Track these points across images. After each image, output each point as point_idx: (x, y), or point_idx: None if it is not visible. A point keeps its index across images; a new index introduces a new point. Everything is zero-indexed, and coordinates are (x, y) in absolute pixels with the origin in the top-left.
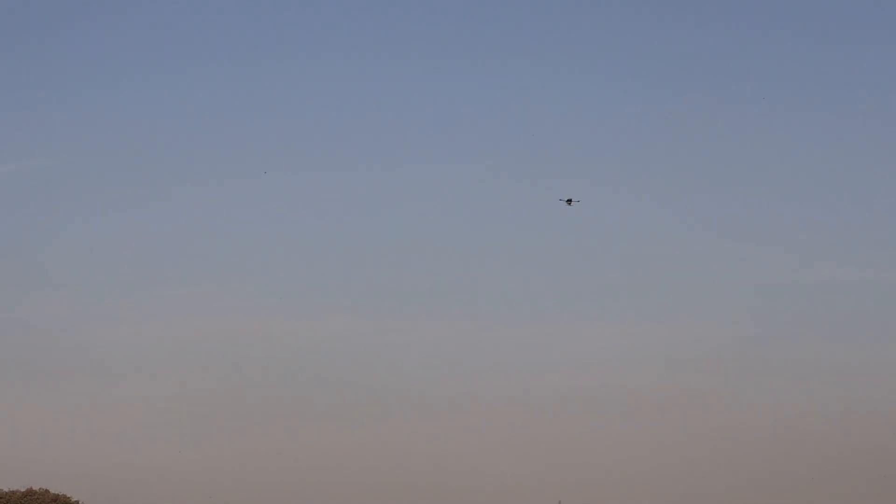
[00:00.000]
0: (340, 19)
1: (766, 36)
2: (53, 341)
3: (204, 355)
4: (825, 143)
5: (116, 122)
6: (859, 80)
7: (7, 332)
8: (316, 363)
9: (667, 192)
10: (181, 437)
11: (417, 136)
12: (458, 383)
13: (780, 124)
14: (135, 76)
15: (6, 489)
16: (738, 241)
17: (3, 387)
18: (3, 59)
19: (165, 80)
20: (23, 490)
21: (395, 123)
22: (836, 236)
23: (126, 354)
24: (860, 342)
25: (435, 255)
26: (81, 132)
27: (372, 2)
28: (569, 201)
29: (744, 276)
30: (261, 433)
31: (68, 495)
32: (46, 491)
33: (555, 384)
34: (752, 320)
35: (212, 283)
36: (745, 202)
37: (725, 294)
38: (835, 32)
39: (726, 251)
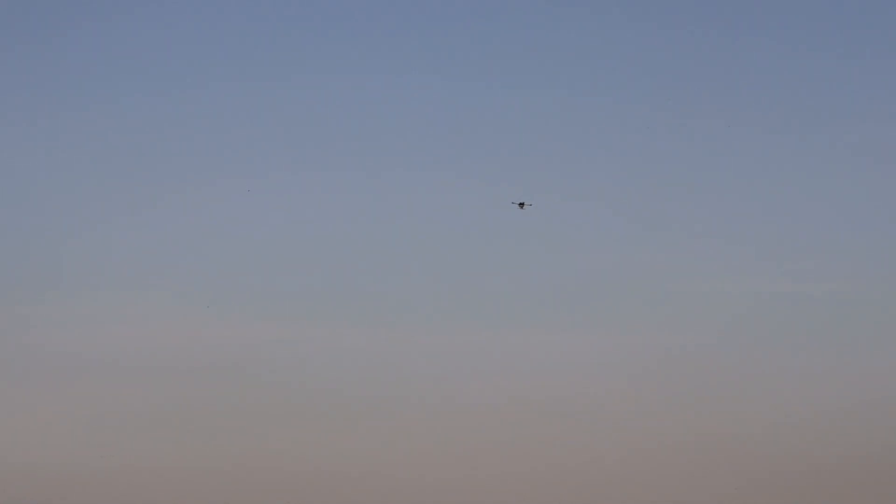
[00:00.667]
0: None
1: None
2: None
3: (126, 362)
4: (783, 151)
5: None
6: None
7: None
8: (244, 369)
9: (625, 201)
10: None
11: (357, 140)
12: (391, 390)
13: (751, 131)
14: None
15: None
16: (704, 249)
17: None
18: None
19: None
20: None
21: (332, 126)
22: (811, 245)
23: (46, 361)
24: (821, 351)
25: (379, 262)
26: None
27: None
28: (521, 205)
29: (707, 283)
30: (191, 439)
31: None
32: None
33: (510, 393)
34: (718, 329)
35: (132, 288)
36: (714, 209)
37: (686, 303)
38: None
39: (695, 259)
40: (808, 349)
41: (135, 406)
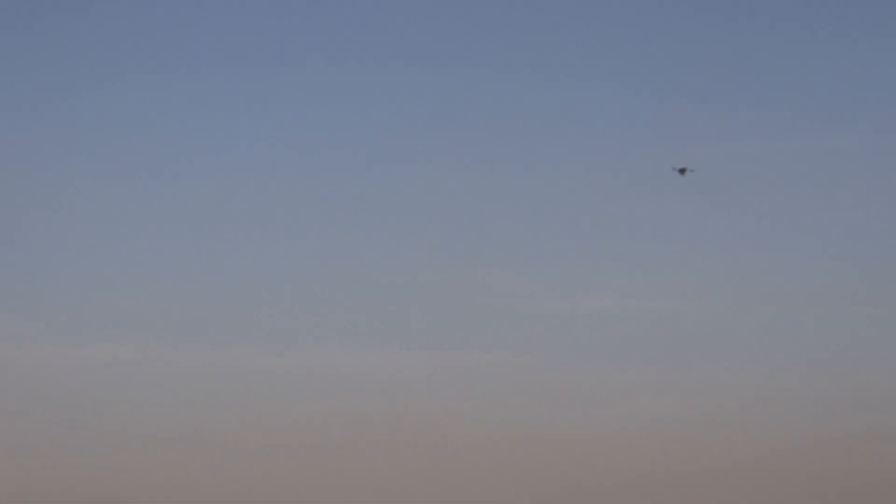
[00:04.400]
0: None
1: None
2: None
3: None
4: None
5: None
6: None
7: None
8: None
9: (463, 220)
10: None
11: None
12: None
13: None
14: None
15: None
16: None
17: None
18: None
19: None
20: None
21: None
22: (612, 265)
23: None
24: (659, 368)
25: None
26: None
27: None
28: (682, 171)
29: (512, 304)
30: None
31: None
32: None
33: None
34: (561, 347)
35: None
36: (553, 229)
37: (499, 322)
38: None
39: (503, 279)
40: (647, 366)
41: None
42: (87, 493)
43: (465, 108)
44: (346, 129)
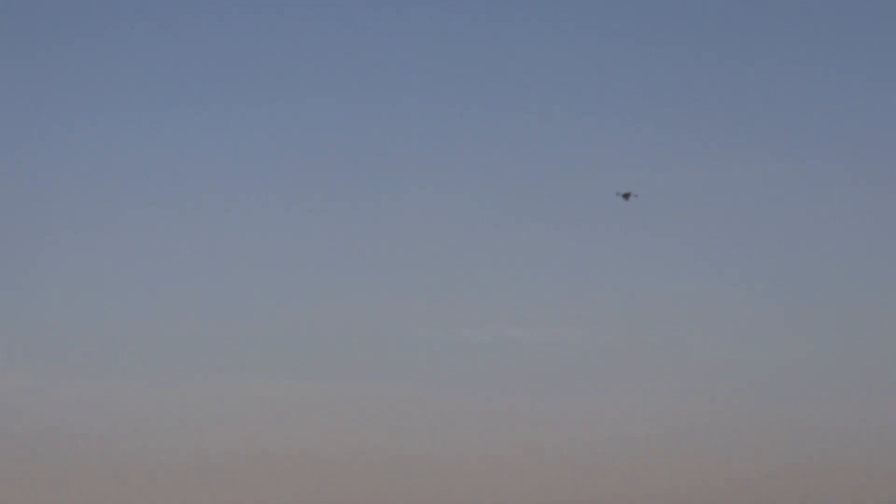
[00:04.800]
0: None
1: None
2: None
3: None
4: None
5: None
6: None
7: None
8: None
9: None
10: None
11: None
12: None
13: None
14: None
15: None
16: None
17: None
18: None
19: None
20: None
21: None
22: (508, 296)
23: None
24: (565, 396)
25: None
26: None
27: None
28: (626, 195)
29: (414, 332)
30: None
31: None
32: None
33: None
34: (468, 376)
35: None
36: (466, 261)
37: (437, 350)
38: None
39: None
40: (551, 393)
41: None
42: None
43: (368, 140)
44: (236, 163)
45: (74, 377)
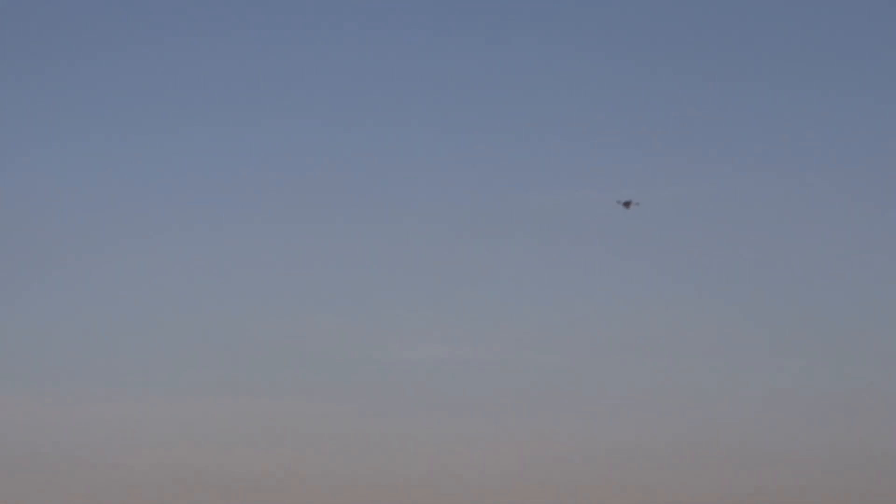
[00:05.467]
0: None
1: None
2: None
3: None
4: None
5: None
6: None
7: None
8: None
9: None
10: None
11: None
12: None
13: None
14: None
15: None
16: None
17: None
18: None
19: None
20: None
21: None
22: (433, 317)
23: None
24: (483, 414)
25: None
26: None
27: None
28: (626, 204)
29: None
30: None
31: None
32: None
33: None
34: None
35: None
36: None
37: (327, 369)
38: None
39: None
40: (479, 414)
41: None
42: None
43: (295, 161)
44: (170, 183)
45: None
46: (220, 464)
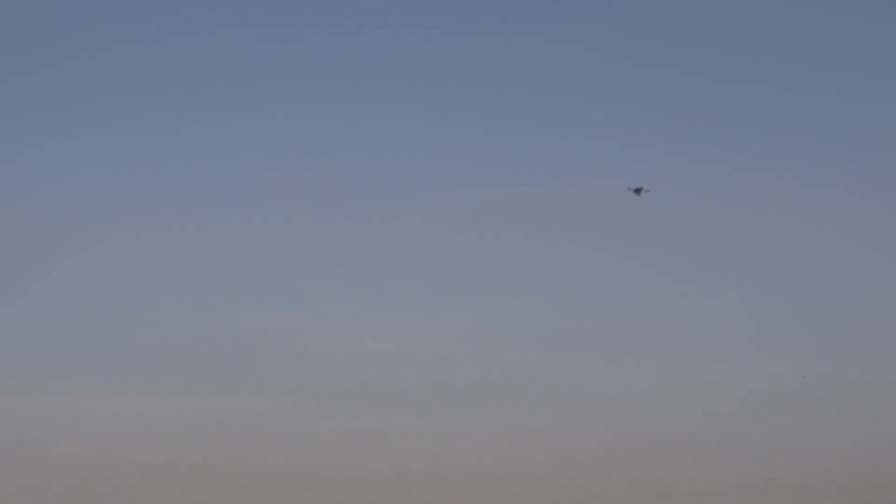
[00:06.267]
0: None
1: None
2: None
3: None
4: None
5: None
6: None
7: None
8: None
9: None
10: None
11: None
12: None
13: None
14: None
15: None
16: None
17: None
18: None
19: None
20: None
21: None
22: (374, 312)
23: None
24: (426, 409)
25: None
26: None
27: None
28: (637, 190)
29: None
30: None
31: None
32: None
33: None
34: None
35: None
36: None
37: (270, 363)
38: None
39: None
40: (412, 406)
41: None
42: None
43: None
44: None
45: None
46: (158, 454)
